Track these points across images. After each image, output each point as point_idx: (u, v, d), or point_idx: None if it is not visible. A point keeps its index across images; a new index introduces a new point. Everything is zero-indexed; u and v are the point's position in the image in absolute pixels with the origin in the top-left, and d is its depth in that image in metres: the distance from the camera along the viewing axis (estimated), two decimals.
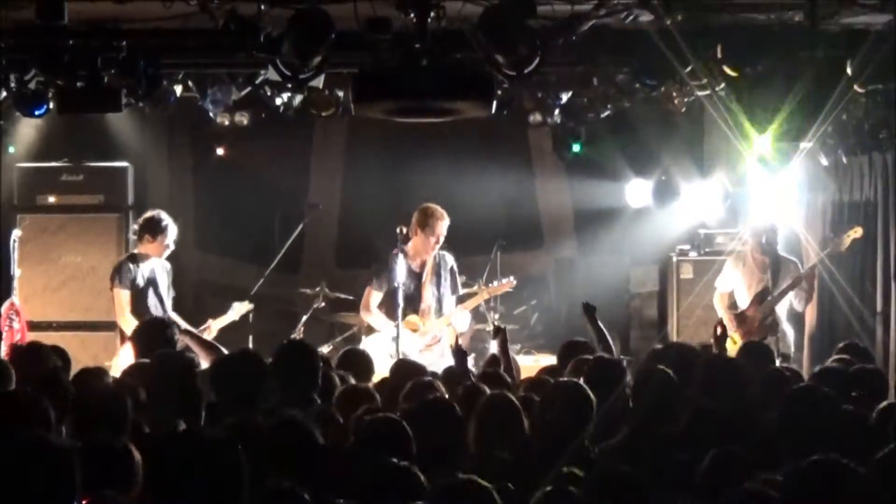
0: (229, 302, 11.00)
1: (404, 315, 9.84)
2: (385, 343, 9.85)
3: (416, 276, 10.03)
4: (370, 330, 10.26)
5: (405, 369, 7.39)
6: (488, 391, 6.29)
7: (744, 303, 10.36)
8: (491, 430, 5.58)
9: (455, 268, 10.22)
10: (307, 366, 6.40)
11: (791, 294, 10.18)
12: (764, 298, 10.12)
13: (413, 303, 9.98)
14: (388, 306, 10.03)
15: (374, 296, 10.11)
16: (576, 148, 12.44)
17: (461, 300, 10.30)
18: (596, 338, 8.08)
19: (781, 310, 10.26)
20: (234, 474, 4.12)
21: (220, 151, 12.53)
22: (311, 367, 6.40)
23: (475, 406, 5.80)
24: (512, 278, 10.55)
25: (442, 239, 9.96)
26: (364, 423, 5.39)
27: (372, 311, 10.10)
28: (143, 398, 6.06)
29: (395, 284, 9.78)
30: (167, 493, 4.12)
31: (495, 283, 10.46)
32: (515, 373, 8.03)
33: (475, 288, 11.57)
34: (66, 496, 3.93)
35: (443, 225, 9.93)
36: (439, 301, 10.07)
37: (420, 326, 9.97)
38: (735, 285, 10.46)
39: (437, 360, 9.63)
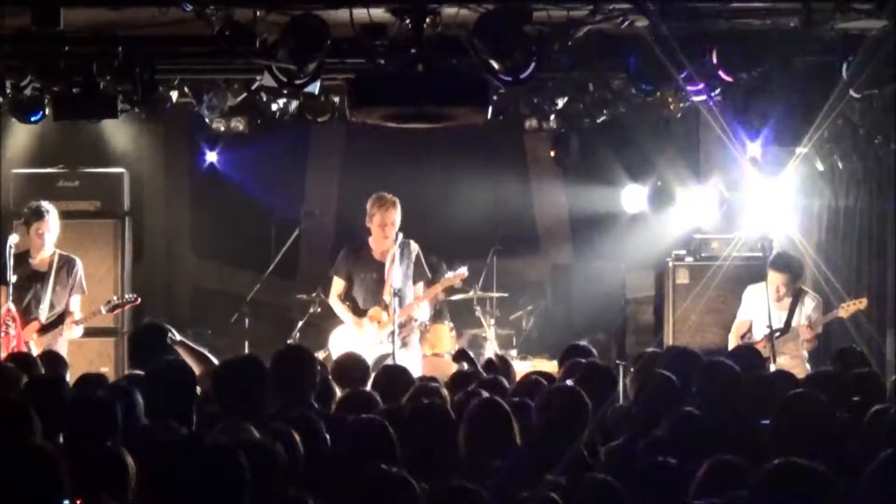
0: (225, 308, 11.02)
1: (368, 308, 9.93)
2: (350, 335, 9.95)
3: (379, 268, 10.02)
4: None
5: (390, 374, 7.38)
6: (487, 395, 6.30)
7: (757, 334, 10.26)
8: (481, 436, 5.58)
9: (421, 255, 10.13)
10: (305, 371, 6.40)
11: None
12: (771, 340, 9.98)
13: (376, 295, 9.97)
14: (351, 299, 10.09)
15: (336, 283, 10.17)
16: (552, 153, 12.47)
17: (429, 286, 10.27)
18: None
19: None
20: (237, 480, 4.13)
21: (212, 158, 12.55)
22: (310, 372, 6.41)
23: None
24: (465, 269, 10.49)
25: (389, 226, 9.89)
26: (346, 425, 5.40)
27: (337, 300, 10.14)
28: (140, 403, 6.06)
29: (395, 289, 9.75)
30: (170, 498, 4.12)
31: (449, 274, 10.41)
32: (511, 377, 8.01)
33: (470, 294, 11.60)
34: (53, 497, 3.94)
35: (386, 213, 9.90)
36: (400, 291, 10.01)
37: (383, 318, 9.91)
38: (752, 313, 10.31)
39: (399, 351, 9.59)
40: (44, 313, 9.68)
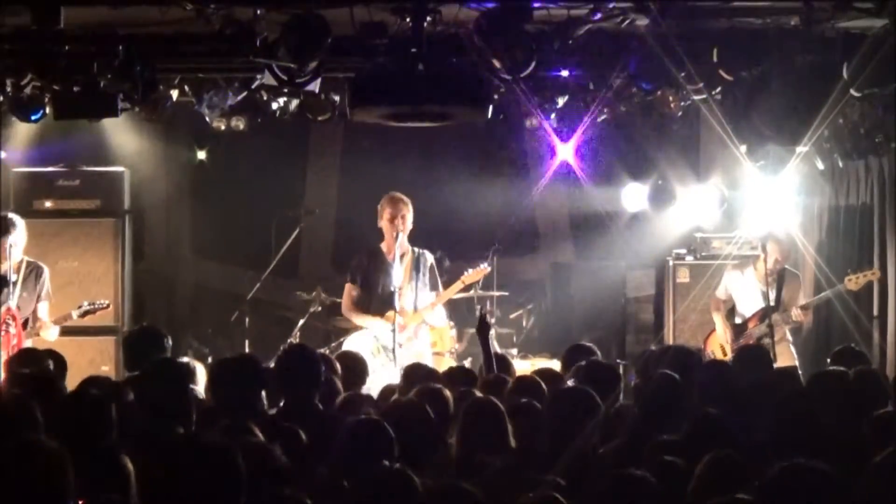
0: (225, 307, 10.97)
1: (384, 312, 9.78)
2: (366, 341, 9.82)
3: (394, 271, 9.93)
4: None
5: (415, 374, 7.36)
6: (480, 395, 6.29)
7: (745, 311, 10.30)
8: (474, 435, 5.57)
9: (435, 266, 10.09)
10: (309, 370, 6.39)
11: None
12: (766, 316, 10.01)
13: (392, 300, 9.81)
14: (365, 304, 9.98)
15: (349, 289, 10.05)
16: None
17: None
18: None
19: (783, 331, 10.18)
20: (232, 479, 4.13)
21: (201, 156, 12.56)
22: (313, 372, 6.40)
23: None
24: (486, 265, 10.43)
25: (399, 219, 9.77)
26: (347, 424, 5.40)
27: (351, 307, 10.03)
28: (134, 403, 6.06)
29: (392, 289, 9.72)
30: (165, 497, 4.12)
31: (469, 271, 10.31)
32: (511, 372, 7.97)
33: (471, 292, 11.57)
34: (59, 498, 3.95)
35: (395, 207, 9.79)
36: (415, 299, 9.97)
37: (400, 321, 9.82)
38: (734, 293, 10.40)
39: (413, 359, 9.54)
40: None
